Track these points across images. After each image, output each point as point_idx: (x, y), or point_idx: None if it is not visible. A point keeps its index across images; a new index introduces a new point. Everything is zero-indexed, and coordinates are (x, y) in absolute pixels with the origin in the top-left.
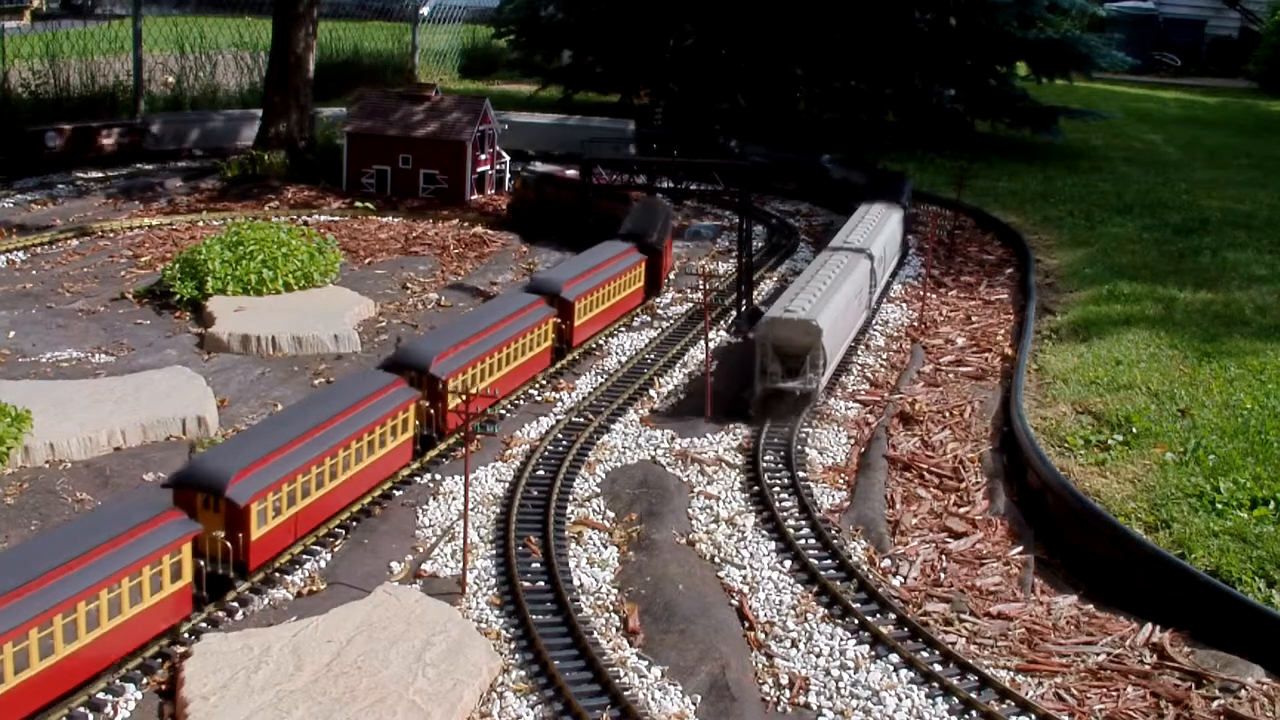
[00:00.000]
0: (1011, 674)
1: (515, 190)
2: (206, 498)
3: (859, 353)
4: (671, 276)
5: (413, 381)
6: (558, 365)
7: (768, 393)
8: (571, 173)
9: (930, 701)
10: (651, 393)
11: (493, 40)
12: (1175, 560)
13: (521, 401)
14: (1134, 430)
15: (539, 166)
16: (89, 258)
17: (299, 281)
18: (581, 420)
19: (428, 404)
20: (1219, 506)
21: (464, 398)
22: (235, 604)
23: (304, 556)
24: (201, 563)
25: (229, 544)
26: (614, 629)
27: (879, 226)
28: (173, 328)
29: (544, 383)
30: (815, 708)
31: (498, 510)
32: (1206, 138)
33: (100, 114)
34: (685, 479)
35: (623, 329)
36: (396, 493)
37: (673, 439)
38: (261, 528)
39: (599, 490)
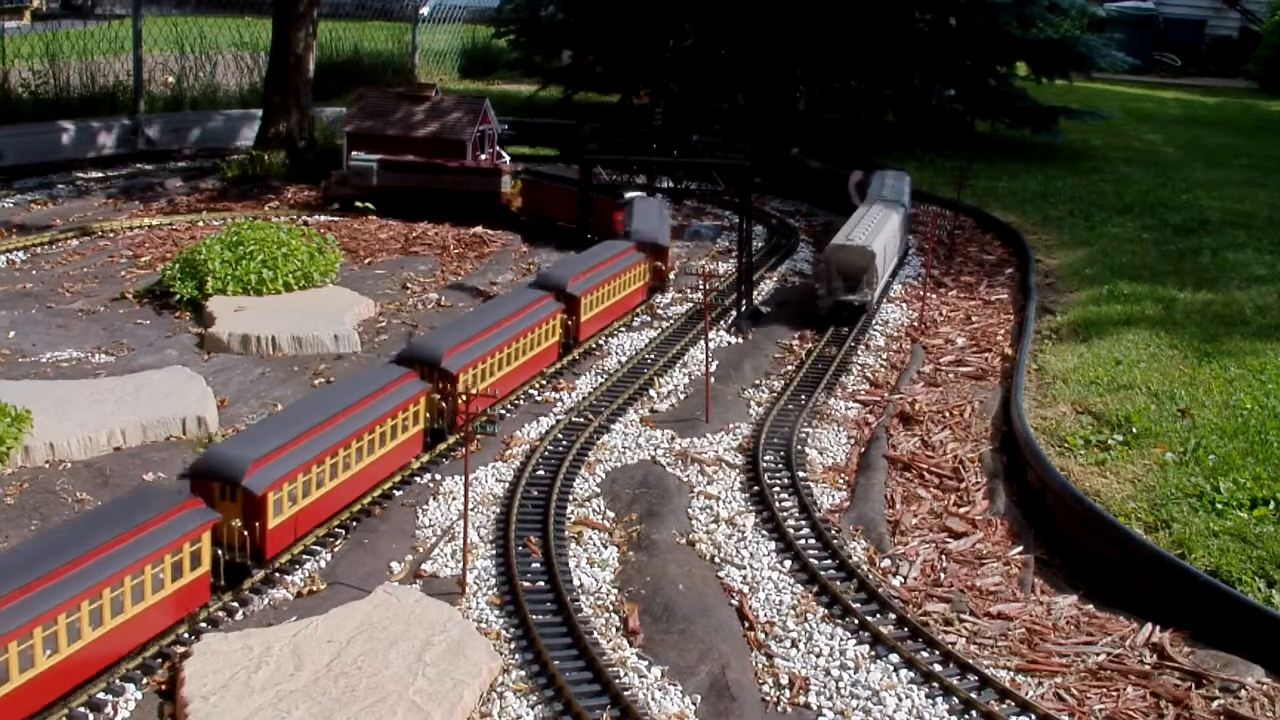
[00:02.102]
0: (1011, 674)
1: (334, 179)
2: (425, 369)
3: (859, 353)
4: (671, 276)
5: (555, 297)
6: (651, 300)
7: (832, 304)
8: (410, 157)
9: (930, 701)
10: (651, 393)
11: (493, 40)
12: (1175, 560)
13: (521, 401)
14: (1134, 430)
15: (363, 156)
16: (89, 258)
17: (299, 281)
18: (581, 420)
19: (566, 316)
20: (1219, 506)
21: (464, 398)
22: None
23: (304, 556)
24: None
25: (443, 404)
26: (614, 629)
27: (901, 189)
28: (173, 328)
29: (544, 382)
30: (815, 708)
31: (498, 510)
32: (1206, 138)
33: (101, 114)
34: (685, 479)
35: (622, 329)
36: (397, 493)
37: (673, 439)
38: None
39: (599, 490)
